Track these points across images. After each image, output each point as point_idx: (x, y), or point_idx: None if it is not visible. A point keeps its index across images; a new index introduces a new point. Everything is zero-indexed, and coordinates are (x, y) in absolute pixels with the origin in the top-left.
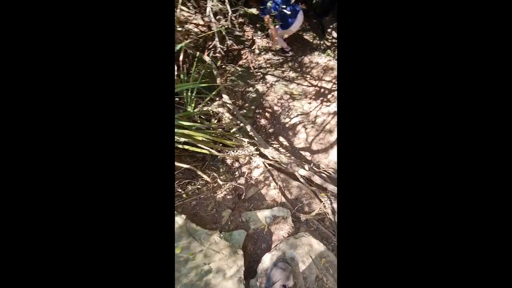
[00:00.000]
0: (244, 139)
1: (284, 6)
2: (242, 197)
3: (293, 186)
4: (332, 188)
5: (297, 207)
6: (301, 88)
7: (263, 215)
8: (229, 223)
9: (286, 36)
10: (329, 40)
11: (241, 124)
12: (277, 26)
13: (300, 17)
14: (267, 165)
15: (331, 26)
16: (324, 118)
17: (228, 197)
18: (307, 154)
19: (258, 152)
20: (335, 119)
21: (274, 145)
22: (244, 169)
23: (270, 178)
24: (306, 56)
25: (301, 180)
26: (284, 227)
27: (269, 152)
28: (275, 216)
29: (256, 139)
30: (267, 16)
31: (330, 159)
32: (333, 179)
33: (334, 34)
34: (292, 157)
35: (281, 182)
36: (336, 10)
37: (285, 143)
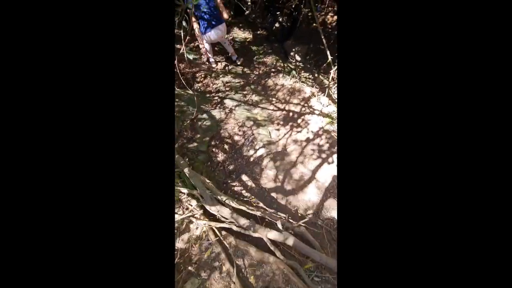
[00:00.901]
0: (182, 189)
1: (208, 10)
2: None
3: (258, 262)
4: (320, 257)
5: None
6: (267, 113)
7: None
8: None
9: (213, 41)
10: (293, 63)
11: (179, 168)
12: (197, 25)
13: (221, 29)
14: (216, 230)
15: (294, 50)
16: (295, 147)
17: None
18: (278, 197)
19: (202, 211)
20: (309, 147)
21: (236, 188)
22: (178, 242)
23: (222, 255)
24: (270, 79)
25: (271, 247)
26: None
27: (217, 209)
28: None
29: (198, 189)
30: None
31: (308, 200)
32: (319, 236)
33: (297, 57)
34: (259, 203)
35: (239, 260)
36: (297, 34)
37: (250, 183)
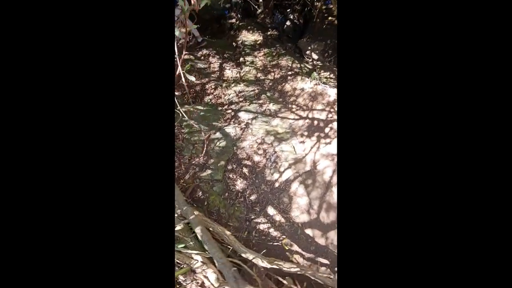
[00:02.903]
0: (194, 254)
1: None
2: None
3: None
4: None
5: None
6: (288, 123)
7: None
8: None
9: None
10: (310, 63)
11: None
12: None
13: None
14: None
15: (309, 48)
16: (327, 162)
17: None
18: (316, 234)
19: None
20: None
21: (261, 225)
22: None
23: None
24: (287, 83)
25: None
26: None
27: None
28: None
29: (216, 262)
30: None
31: None
32: None
33: (314, 56)
34: (293, 246)
35: None
36: (312, 31)
37: (278, 217)
